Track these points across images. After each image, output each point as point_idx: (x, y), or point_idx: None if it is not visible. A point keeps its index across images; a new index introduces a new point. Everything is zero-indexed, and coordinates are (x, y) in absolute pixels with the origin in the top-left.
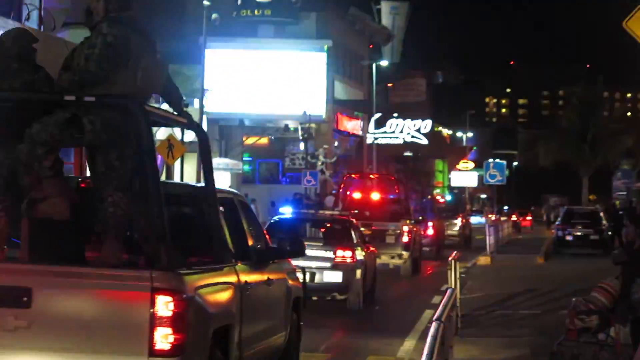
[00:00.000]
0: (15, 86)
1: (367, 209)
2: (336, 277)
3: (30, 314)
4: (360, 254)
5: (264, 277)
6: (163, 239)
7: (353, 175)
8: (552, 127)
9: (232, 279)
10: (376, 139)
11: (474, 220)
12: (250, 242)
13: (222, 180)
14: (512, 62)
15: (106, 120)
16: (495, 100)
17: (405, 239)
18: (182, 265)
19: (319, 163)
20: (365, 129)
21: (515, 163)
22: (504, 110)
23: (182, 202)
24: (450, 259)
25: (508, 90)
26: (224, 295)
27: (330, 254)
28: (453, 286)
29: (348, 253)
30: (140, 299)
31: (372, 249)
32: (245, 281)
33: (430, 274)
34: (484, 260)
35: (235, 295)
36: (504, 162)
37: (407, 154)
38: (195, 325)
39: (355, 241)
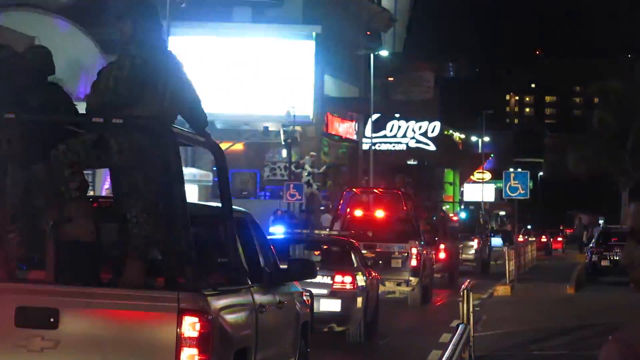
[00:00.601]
0: (31, 104)
1: (370, 228)
2: (334, 305)
3: (57, 335)
4: (361, 280)
5: (276, 299)
6: (190, 261)
7: (354, 190)
8: (586, 130)
9: (249, 301)
10: (374, 144)
11: (495, 242)
12: (261, 263)
13: (189, 194)
14: (537, 52)
15: (133, 142)
16: (517, 98)
17: (413, 262)
18: (207, 287)
19: (305, 174)
20: (360, 133)
21: (540, 173)
22: (527, 109)
23: (199, 223)
24: (462, 288)
25: (533, 85)
26: (243, 318)
27: (327, 280)
28: (465, 321)
29: (348, 279)
30: (167, 319)
31: (374, 274)
32: (260, 303)
33: (442, 305)
34: (502, 290)
35: (252, 317)
36: (527, 172)
37: (411, 162)
38: (219, 346)
39: (355, 265)
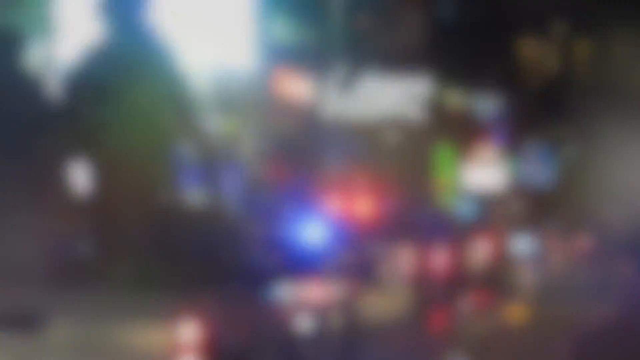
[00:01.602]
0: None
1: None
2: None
3: (40, 338)
4: (336, 290)
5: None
6: (184, 258)
7: (321, 174)
8: (634, 88)
9: (235, 300)
10: (339, 109)
11: (519, 243)
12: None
13: None
14: None
15: None
16: (537, 44)
17: (405, 269)
18: (202, 285)
19: (243, 151)
20: (320, 94)
21: (571, 149)
22: (551, 59)
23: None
24: (463, 309)
25: (559, 25)
26: (234, 319)
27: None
28: (466, 356)
29: (317, 288)
30: (161, 321)
31: (353, 283)
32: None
33: (441, 327)
34: (517, 311)
35: (239, 319)
36: (553, 148)
37: (391, 135)
38: (216, 351)
39: (327, 271)
